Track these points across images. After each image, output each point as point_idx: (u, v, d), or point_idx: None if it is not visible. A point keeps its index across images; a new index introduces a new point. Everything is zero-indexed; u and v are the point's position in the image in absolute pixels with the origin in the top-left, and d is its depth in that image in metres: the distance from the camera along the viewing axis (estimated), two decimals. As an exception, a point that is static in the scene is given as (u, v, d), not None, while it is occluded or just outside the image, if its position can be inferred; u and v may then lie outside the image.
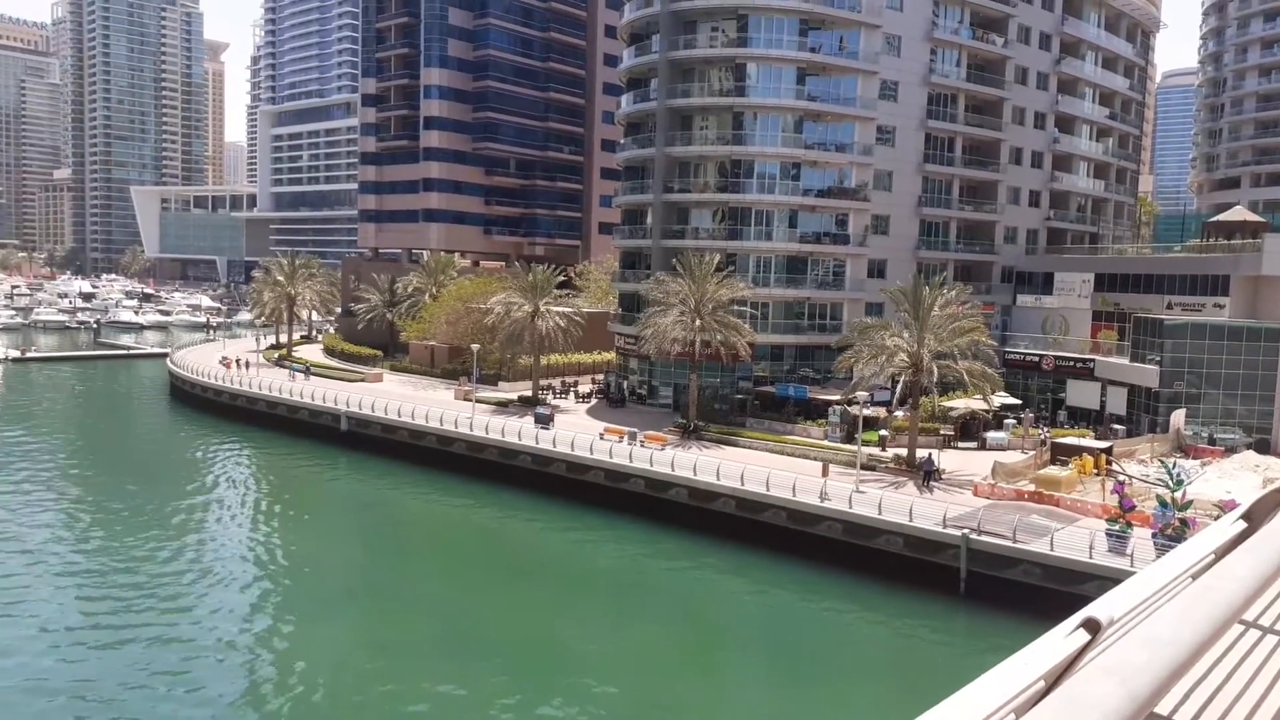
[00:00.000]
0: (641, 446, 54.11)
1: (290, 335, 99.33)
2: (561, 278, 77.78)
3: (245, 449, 67.92)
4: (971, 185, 77.25)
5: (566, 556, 46.42)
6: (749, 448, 55.76)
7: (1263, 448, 52.16)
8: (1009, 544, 37.58)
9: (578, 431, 57.23)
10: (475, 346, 68.36)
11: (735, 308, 61.81)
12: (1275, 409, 54.02)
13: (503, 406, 67.28)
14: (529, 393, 70.01)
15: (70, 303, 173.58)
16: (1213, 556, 5.80)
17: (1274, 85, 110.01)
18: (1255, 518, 6.77)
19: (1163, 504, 36.53)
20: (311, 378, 79.60)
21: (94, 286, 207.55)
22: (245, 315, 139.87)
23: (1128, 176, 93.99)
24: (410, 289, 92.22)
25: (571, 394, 74.57)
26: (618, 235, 79.24)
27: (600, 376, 79.41)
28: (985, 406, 55.05)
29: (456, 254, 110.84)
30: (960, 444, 56.48)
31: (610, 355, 79.63)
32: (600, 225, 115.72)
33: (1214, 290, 59.93)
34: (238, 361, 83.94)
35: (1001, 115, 77.18)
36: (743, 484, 46.07)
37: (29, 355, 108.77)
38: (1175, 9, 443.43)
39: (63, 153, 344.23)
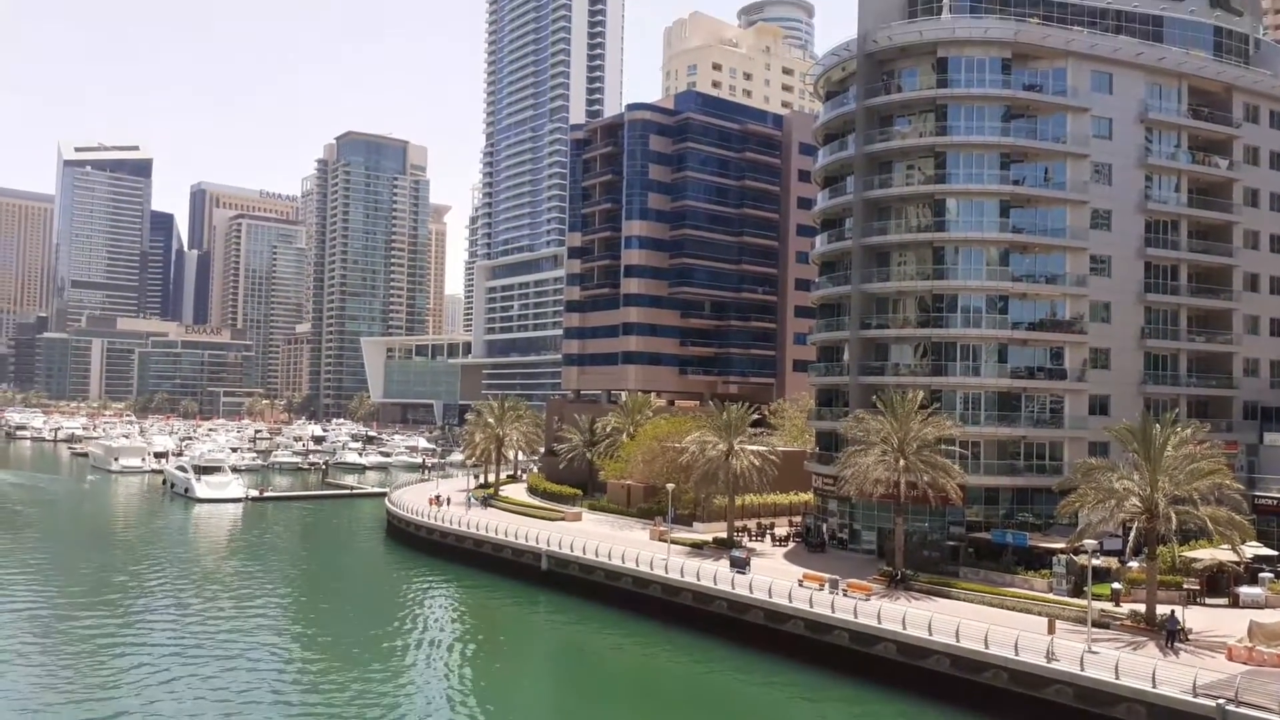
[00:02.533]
0: (844, 595, 51.60)
1: (498, 474, 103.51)
2: (755, 416, 77.39)
3: (451, 585, 70.29)
4: (1201, 315, 71.61)
5: (764, 712, 44.18)
6: (963, 600, 51.99)
7: None
8: (1276, 717, 32.49)
9: (775, 577, 55.45)
10: (670, 486, 68.49)
11: (942, 446, 58.99)
12: None
13: (697, 548, 66.49)
14: (724, 534, 68.97)
15: (304, 445, 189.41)
16: None
17: None
18: None
19: None
20: (490, 508, 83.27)
21: (324, 430, 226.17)
22: (458, 456, 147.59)
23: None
24: (609, 428, 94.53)
25: (768, 536, 72.82)
26: (813, 372, 78.47)
27: (798, 519, 77.30)
28: (1235, 557, 49.08)
29: (652, 394, 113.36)
30: (1207, 600, 50.36)
31: (808, 496, 77.62)
32: (795, 363, 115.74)
33: None
34: (436, 499, 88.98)
35: (1231, 239, 71.86)
36: (958, 640, 42.71)
37: (266, 495, 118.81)
38: None
39: (304, 309, 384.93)
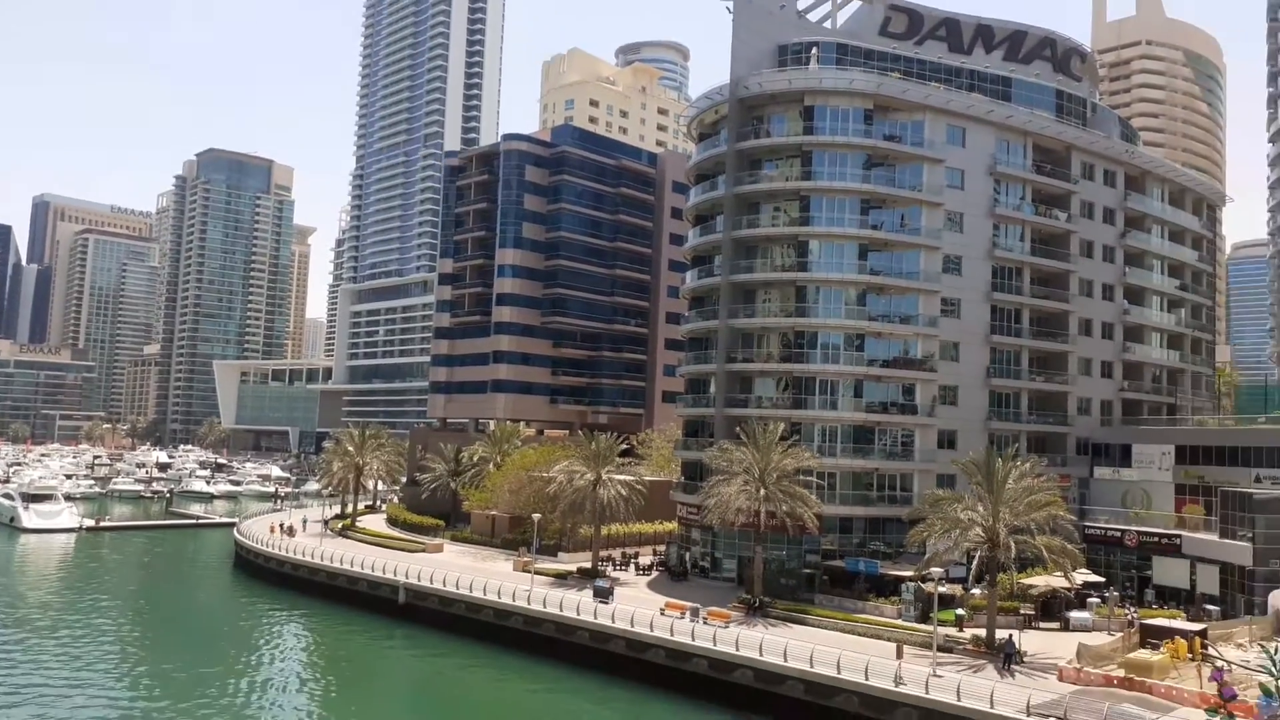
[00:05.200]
0: (704, 623, 52.09)
1: (355, 504, 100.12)
2: (624, 446, 77.70)
3: (302, 620, 67.24)
4: (1041, 356, 76.36)
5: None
6: (818, 626, 53.29)
7: (1380, 634, 47.98)
8: (1104, 737, 34.55)
9: (638, 606, 55.49)
10: (536, 516, 67.81)
11: (801, 477, 60.61)
12: (1389, 592, 50.04)
13: (561, 578, 65.94)
14: (589, 564, 68.65)
15: (147, 473, 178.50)
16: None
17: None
18: None
19: (1267, 693, 33.40)
20: (347, 539, 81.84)
21: (170, 457, 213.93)
22: (313, 485, 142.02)
23: (1203, 347, 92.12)
24: (475, 458, 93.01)
25: (632, 565, 72.93)
26: (681, 404, 79.49)
27: (662, 548, 77.75)
28: (1066, 584, 52.16)
29: (522, 423, 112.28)
30: (1042, 624, 53.27)
31: (672, 525, 78.22)
32: (664, 394, 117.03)
33: (1306, 463, 57.08)
34: (282, 527, 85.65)
35: (1068, 287, 77.10)
36: (812, 666, 43.67)
37: (102, 525, 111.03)
38: (1242, 181, 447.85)
39: (154, 330, 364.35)
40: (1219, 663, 40.36)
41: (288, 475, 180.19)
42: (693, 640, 48.90)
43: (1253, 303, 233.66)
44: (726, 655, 46.84)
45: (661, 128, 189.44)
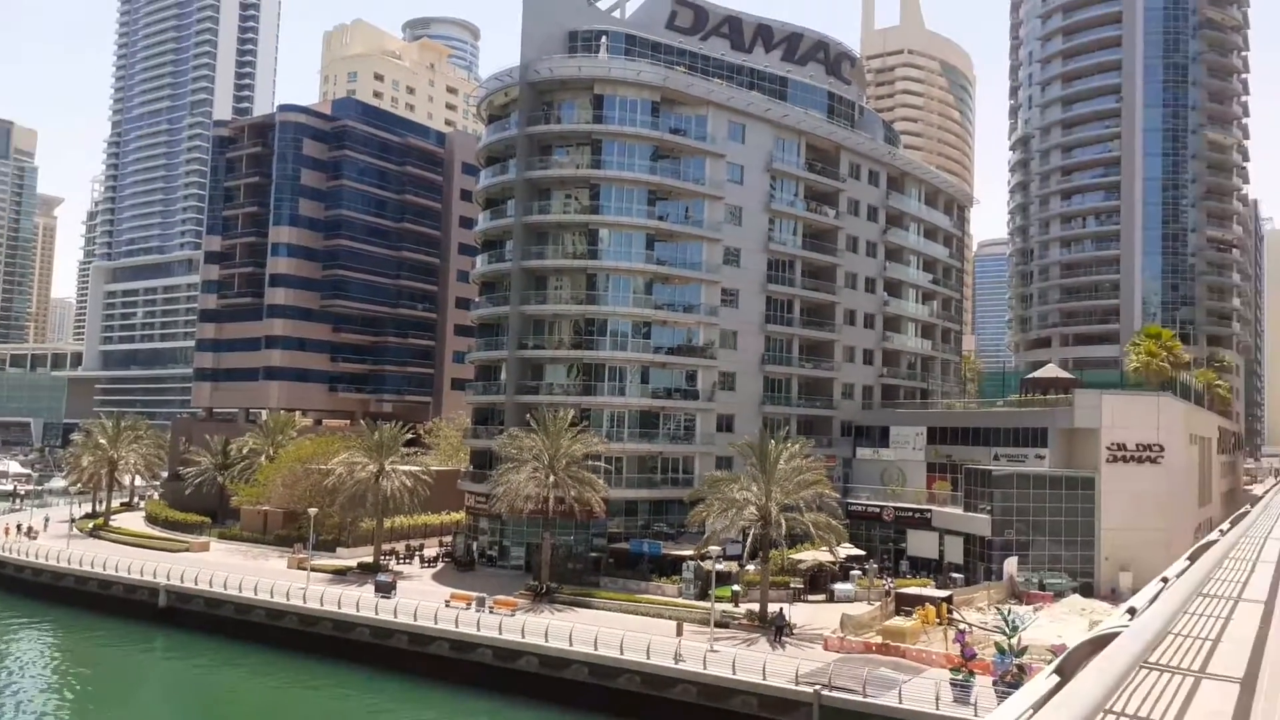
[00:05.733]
0: (490, 613, 51.70)
1: (109, 502, 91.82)
2: (410, 435, 75.67)
3: (45, 630, 61.03)
4: (811, 344, 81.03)
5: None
6: (604, 609, 54.14)
7: (1087, 591, 54.56)
8: (859, 698, 37.25)
9: (423, 599, 54.21)
10: (313, 510, 64.70)
11: (590, 463, 61.30)
12: (1095, 554, 57.03)
13: (341, 574, 63.42)
14: (370, 558, 66.42)
15: None
16: (1031, 711, 5.55)
17: (1074, 255, 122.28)
18: (1067, 671, 6.63)
19: (1001, 651, 37.27)
20: (99, 539, 75.14)
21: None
22: (59, 482, 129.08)
23: (952, 336, 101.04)
24: (245, 450, 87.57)
25: (417, 558, 71.22)
26: (471, 391, 78.36)
27: (449, 539, 76.43)
28: (831, 558, 55.78)
29: (298, 413, 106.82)
30: (810, 597, 56.68)
31: (460, 515, 77.05)
32: (453, 381, 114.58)
33: (1034, 442, 63.90)
34: (20, 528, 77.44)
35: (835, 280, 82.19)
36: (596, 648, 44.34)
37: None
38: (987, 184, 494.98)
39: None
40: (962, 625, 44.50)
41: (29, 471, 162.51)
42: (478, 630, 48.40)
43: (994, 297, 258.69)
44: (511, 643, 46.72)
45: (451, 107, 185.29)
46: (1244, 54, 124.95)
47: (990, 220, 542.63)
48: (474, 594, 54.17)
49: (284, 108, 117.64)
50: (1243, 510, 32.66)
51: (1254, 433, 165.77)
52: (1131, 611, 8.91)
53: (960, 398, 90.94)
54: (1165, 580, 10.59)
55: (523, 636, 46.76)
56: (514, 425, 65.54)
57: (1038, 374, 77.46)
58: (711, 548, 49.41)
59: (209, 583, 58.87)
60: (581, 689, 44.07)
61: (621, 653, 43.51)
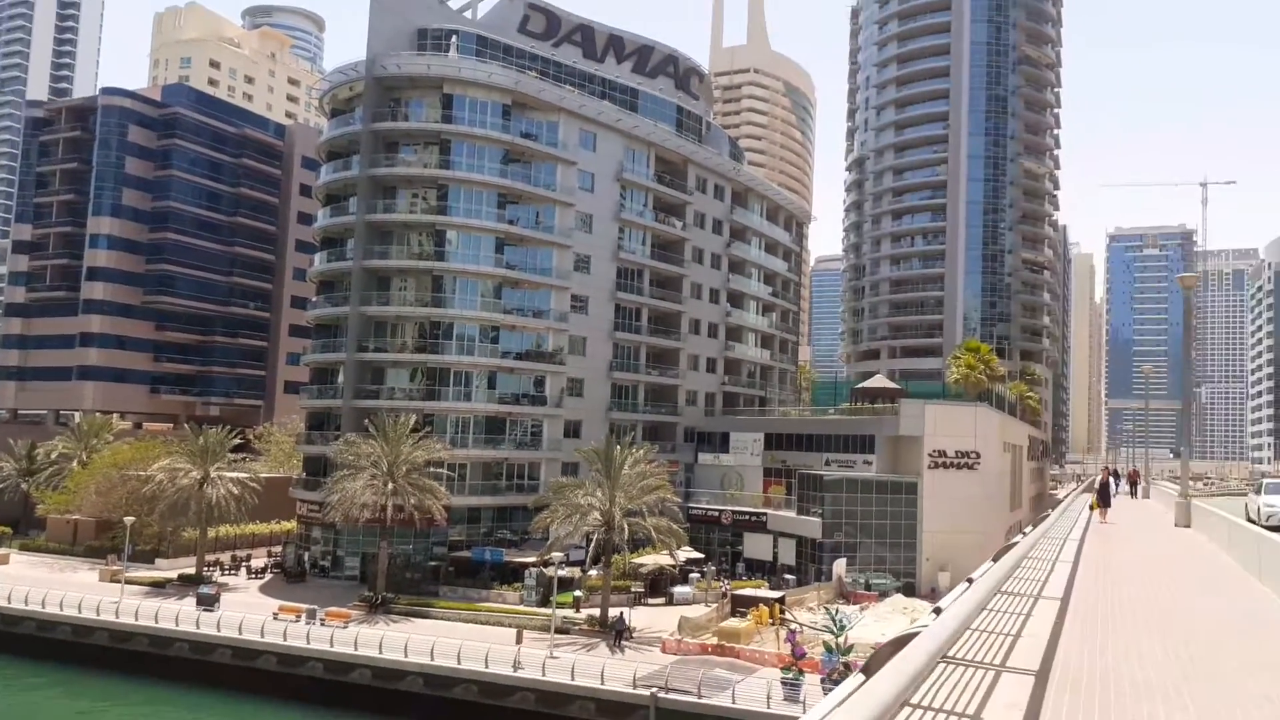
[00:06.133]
0: (322, 625, 49.81)
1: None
2: (239, 440, 72.08)
3: None
4: (657, 352, 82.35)
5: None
6: (442, 618, 53.09)
7: (910, 590, 57.65)
8: (694, 699, 38.04)
9: (249, 611, 51.67)
10: (129, 519, 60.56)
11: (431, 469, 60.02)
12: (918, 555, 60.35)
13: (159, 587, 59.67)
14: (192, 570, 62.77)
15: None
16: (835, 710, 5.86)
17: (903, 272, 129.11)
18: (871, 671, 7.02)
19: (829, 650, 38.87)
20: None
21: None
22: None
23: (789, 347, 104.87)
24: (54, 455, 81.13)
25: (243, 569, 67.83)
26: (305, 395, 75.38)
27: (278, 549, 73.15)
28: (672, 562, 56.79)
29: (115, 415, 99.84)
30: (650, 600, 57.44)
31: (291, 525, 73.85)
32: (287, 384, 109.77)
33: (863, 449, 67.09)
34: None
35: (682, 290, 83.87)
36: (432, 659, 43.44)
37: None
38: (824, 202, 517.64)
39: None
40: (793, 625, 46.17)
41: None
42: (307, 643, 46.56)
43: (829, 310, 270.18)
44: (343, 655, 45.18)
45: (292, 99, 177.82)
46: (1056, 90, 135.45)
47: (827, 237, 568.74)
48: (304, 606, 52.05)
49: (107, 90, 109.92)
50: (1044, 514, 35.33)
51: (1059, 441, 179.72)
52: (938, 611, 9.51)
53: (796, 406, 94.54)
54: (970, 581, 11.34)
55: (355, 649, 45.30)
56: (351, 431, 63.46)
57: (867, 384, 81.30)
58: (554, 554, 49.45)
59: (7, 598, 54.15)
60: (417, 700, 43.11)
61: (459, 662, 42.83)
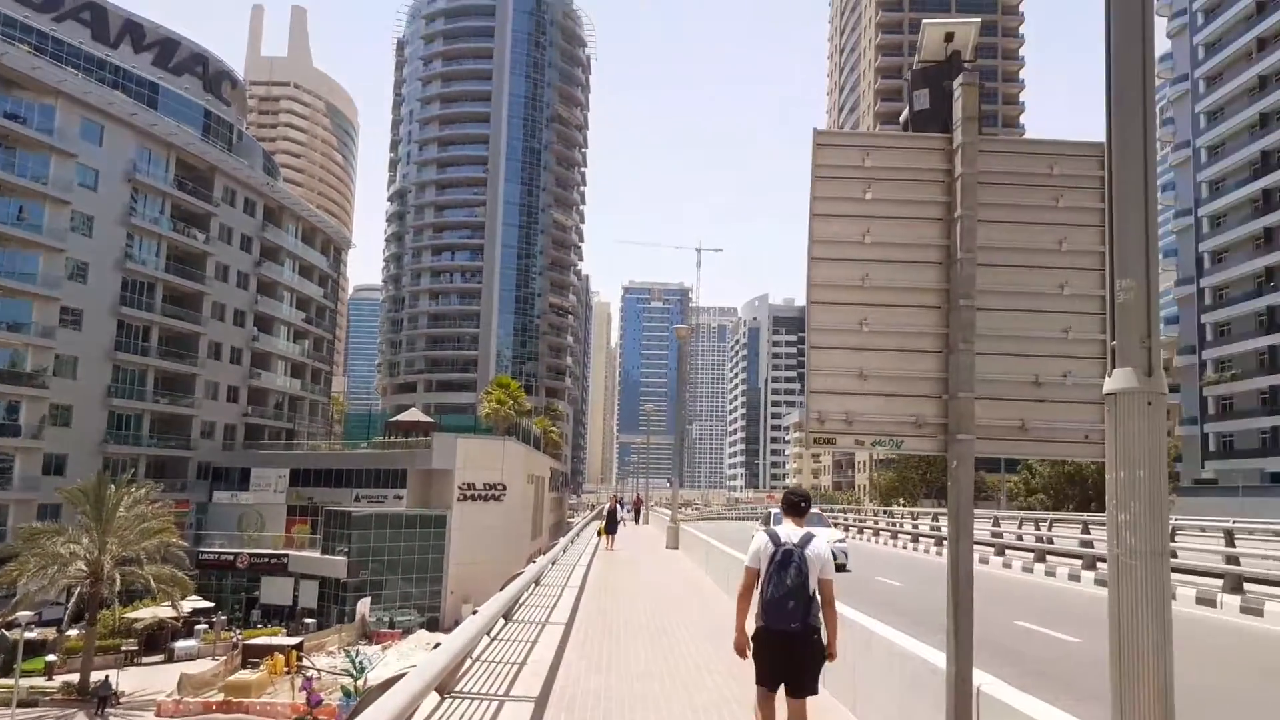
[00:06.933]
0: None
1: None
2: None
3: None
4: (169, 377, 74.27)
5: None
6: None
7: (434, 625, 58.04)
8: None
9: None
10: None
11: None
12: (443, 588, 61.13)
13: None
14: None
15: None
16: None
17: (442, 307, 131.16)
18: (357, 714, 6.92)
19: (346, 694, 37.70)
20: None
21: None
22: None
23: (322, 376, 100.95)
24: None
25: None
26: None
27: None
28: (174, 614, 51.13)
29: None
30: (146, 659, 51.05)
31: None
32: None
33: (394, 483, 66.55)
34: None
35: (202, 309, 76.75)
36: None
37: None
38: (365, 230, 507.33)
39: None
40: (309, 672, 43.93)
41: None
42: None
43: (366, 340, 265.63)
44: None
45: None
46: (584, 150, 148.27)
47: (367, 265, 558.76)
48: None
49: None
50: (554, 542, 37.84)
51: (577, 472, 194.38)
52: (438, 645, 9.67)
53: (327, 439, 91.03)
54: (475, 612, 11.69)
55: None
56: None
57: (400, 417, 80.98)
58: (21, 613, 41.74)
59: None
60: None
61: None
